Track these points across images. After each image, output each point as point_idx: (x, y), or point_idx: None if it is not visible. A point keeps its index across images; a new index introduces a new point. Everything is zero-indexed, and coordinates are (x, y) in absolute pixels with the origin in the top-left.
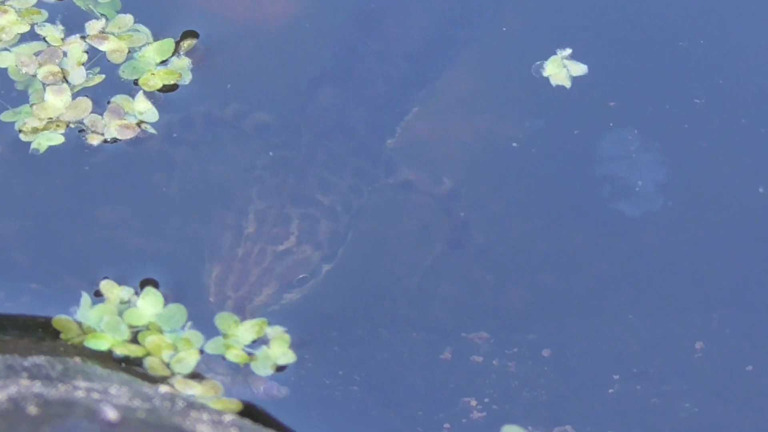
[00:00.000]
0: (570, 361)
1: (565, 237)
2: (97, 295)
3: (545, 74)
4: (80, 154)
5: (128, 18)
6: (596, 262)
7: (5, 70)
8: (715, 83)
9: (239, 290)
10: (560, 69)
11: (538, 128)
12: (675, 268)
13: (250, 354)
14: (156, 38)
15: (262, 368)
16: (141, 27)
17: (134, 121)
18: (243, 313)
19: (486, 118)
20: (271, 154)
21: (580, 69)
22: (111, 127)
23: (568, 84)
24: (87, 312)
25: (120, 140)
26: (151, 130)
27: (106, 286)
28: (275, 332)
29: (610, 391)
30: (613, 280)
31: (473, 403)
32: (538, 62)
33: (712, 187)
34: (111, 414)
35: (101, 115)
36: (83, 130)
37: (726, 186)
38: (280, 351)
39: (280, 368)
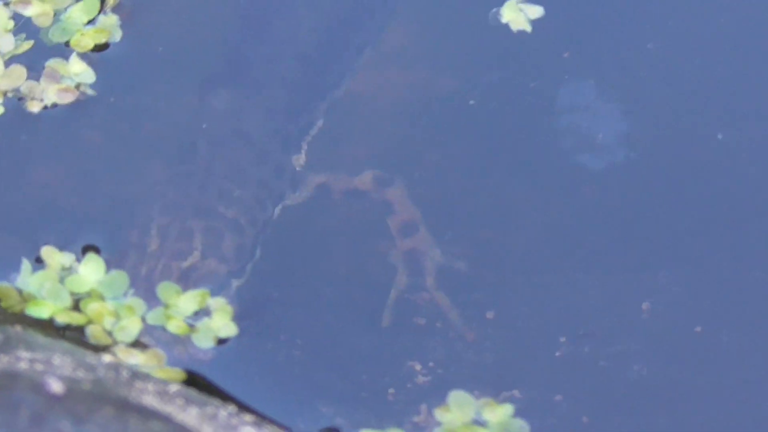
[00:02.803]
0: (515, 323)
1: (514, 192)
2: (38, 262)
3: (504, 20)
4: (22, 122)
5: None
6: (544, 218)
7: None
8: (666, 25)
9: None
10: (517, 13)
11: (493, 83)
12: (626, 224)
13: (191, 325)
14: None
15: (204, 340)
16: None
17: (72, 84)
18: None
19: (431, 73)
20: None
21: (536, 11)
22: (50, 92)
23: (528, 28)
24: (27, 279)
25: (60, 105)
26: (90, 92)
27: (47, 252)
28: (217, 304)
29: (557, 353)
30: (561, 238)
31: (417, 367)
32: (495, 9)
33: (672, 136)
34: (56, 386)
35: (38, 81)
36: (22, 98)
37: (685, 134)
38: (222, 323)
39: (221, 341)
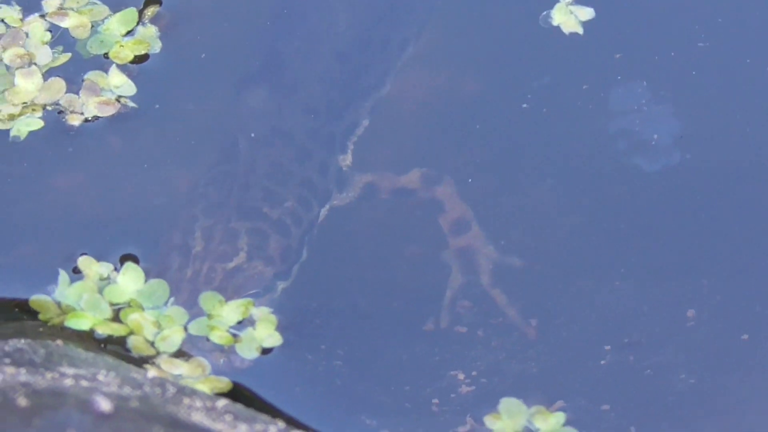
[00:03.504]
0: (558, 332)
1: (561, 195)
2: (76, 273)
3: (555, 23)
4: (62, 135)
5: None
6: (589, 222)
7: None
8: (716, 23)
9: (190, 311)
10: (568, 15)
11: (545, 85)
12: (671, 228)
13: (234, 335)
14: (117, 9)
15: (247, 350)
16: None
17: (113, 97)
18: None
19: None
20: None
21: (587, 13)
22: (90, 105)
23: (580, 30)
24: (65, 290)
25: (101, 117)
26: (131, 104)
27: (85, 263)
28: (261, 313)
29: (602, 362)
30: (603, 243)
31: (461, 376)
32: (545, 12)
33: (725, 137)
34: (104, 405)
35: (77, 93)
36: (62, 112)
37: (737, 135)
38: (266, 332)
39: (265, 351)
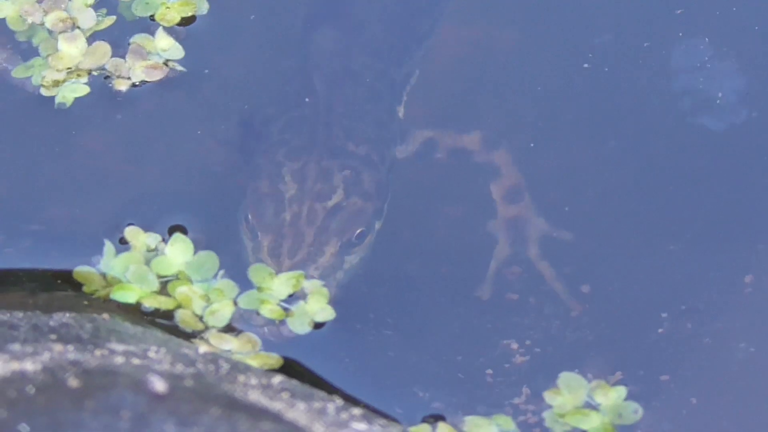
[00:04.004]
0: (613, 299)
1: (619, 158)
2: (122, 243)
3: None
4: (109, 101)
5: None
6: (647, 186)
7: (3, 21)
8: None
9: (296, 255)
10: None
11: (605, 44)
12: (727, 192)
13: (286, 309)
14: None
15: (299, 325)
16: None
17: (160, 61)
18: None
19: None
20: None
21: None
22: (137, 70)
23: None
24: (111, 261)
25: (149, 82)
26: (179, 68)
27: (131, 233)
28: (313, 286)
29: (660, 330)
30: (659, 207)
31: (514, 346)
32: None
33: None
34: (159, 385)
35: (123, 58)
36: (108, 77)
37: None
38: (318, 306)
39: (318, 325)
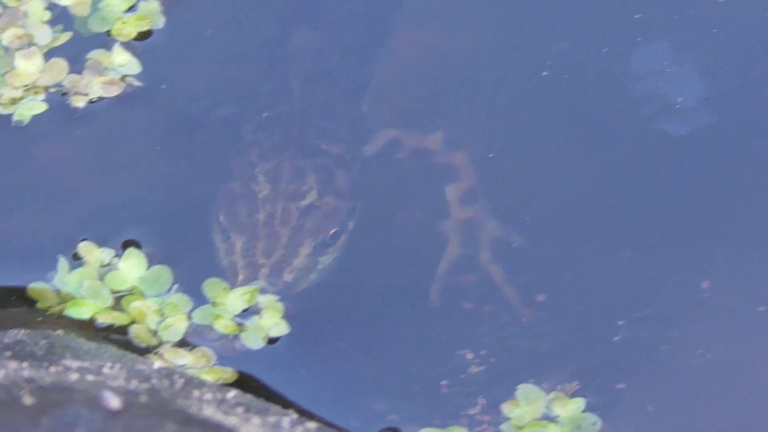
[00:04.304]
0: (569, 306)
1: (572, 165)
2: (76, 259)
3: None
4: (67, 118)
5: None
6: (600, 193)
7: None
8: None
9: (272, 255)
10: None
11: (564, 51)
12: (682, 196)
13: (240, 324)
14: None
15: (253, 340)
16: None
17: (117, 76)
18: (280, 278)
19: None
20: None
21: None
22: (94, 86)
23: None
24: (65, 277)
25: (106, 98)
26: (137, 83)
27: (85, 249)
28: (267, 301)
29: (616, 338)
30: (611, 214)
31: (469, 356)
32: None
33: (750, 96)
34: (114, 402)
35: (80, 74)
36: (66, 93)
37: (763, 94)
38: (272, 321)
39: (272, 340)
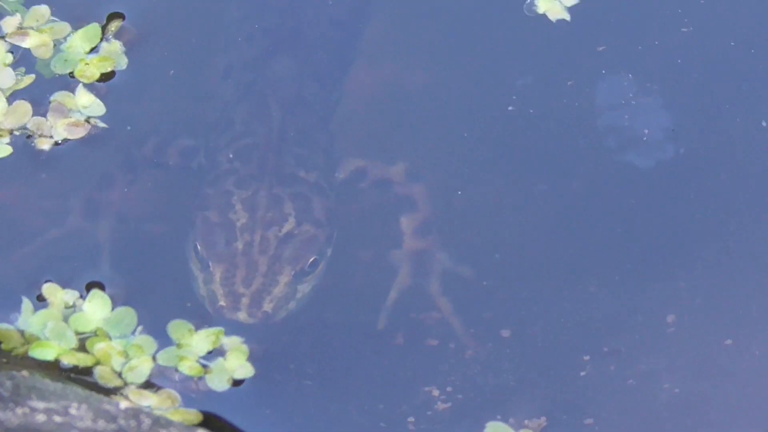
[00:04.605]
0: (534, 342)
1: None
2: (40, 300)
3: (540, 11)
4: (33, 161)
5: (44, 9)
6: (561, 227)
7: None
8: (696, 4)
9: (251, 284)
10: (552, 2)
11: (528, 85)
12: (645, 230)
13: (205, 366)
14: (79, 25)
15: (218, 382)
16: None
17: (82, 118)
18: (260, 308)
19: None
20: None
21: None
22: (58, 128)
23: (567, 16)
24: (29, 319)
25: (71, 140)
26: (102, 124)
27: (49, 290)
28: (232, 343)
29: (582, 373)
30: (575, 248)
31: (435, 392)
32: (529, 0)
33: (717, 127)
34: None
35: (44, 116)
36: (30, 136)
37: (729, 123)
38: (237, 363)
39: (237, 382)
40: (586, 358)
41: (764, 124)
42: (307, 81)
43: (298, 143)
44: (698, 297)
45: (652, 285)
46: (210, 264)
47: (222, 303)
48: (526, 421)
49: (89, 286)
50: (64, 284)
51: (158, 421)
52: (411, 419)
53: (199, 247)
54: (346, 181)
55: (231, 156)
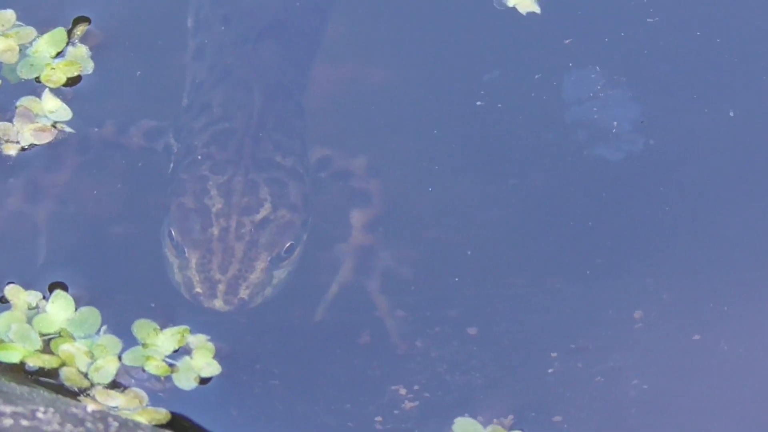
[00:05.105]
0: (500, 339)
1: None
2: (3, 302)
3: (510, 4)
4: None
5: (9, 13)
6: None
7: None
8: None
9: (228, 271)
10: None
11: (496, 80)
12: (611, 225)
13: (171, 365)
14: (44, 30)
15: (185, 380)
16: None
17: (48, 123)
18: (237, 294)
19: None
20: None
21: None
22: (25, 133)
23: (537, 9)
24: None
25: (38, 145)
26: (69, 129)
27: (12, 292)
28: (198, 341)
29: (550, 370)
30: (541, 244)
31: (402, 391)
32: None
33: (685, 118)
34: None
35: (11, 122)
36: None
37: (697, 114)
38: (204, 361)
39: (204, 380)
40: (554, 355)
41: (731, 114)
42: (288, 67)
43: (276, 129)
44: (666, 293)
45: (619, 281)
46: (186, 250)
47: (198, 290)
48: (494, 419)
49: (52, 287)
50: (27, 285)
51: (126, 424)
52: (378, 418)
53: (174, 233)
54: (314, 170)
55: (206, 141)
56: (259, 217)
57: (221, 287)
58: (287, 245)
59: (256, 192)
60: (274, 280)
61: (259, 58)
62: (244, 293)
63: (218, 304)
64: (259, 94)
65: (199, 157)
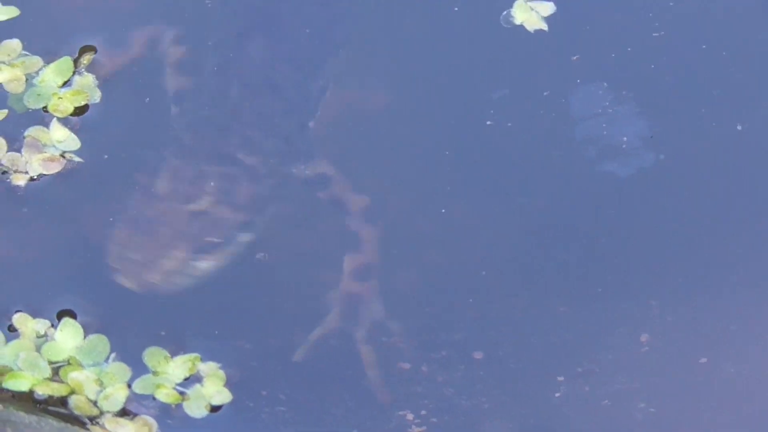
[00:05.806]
0: (506, 363)
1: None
2: (11, 330)
3: (517, 22)
4: (9, 197)
5: (15, 43)
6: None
7: None
8: (667, 7)
9: (143, 252)
10: (529, 12)
11: (504, 98)
12: (615, 248)
13: (182, 393)
14: (51, 59)
15: (196, 409)
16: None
17: (57, 153)
18: (143, 279)
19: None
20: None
21: (547, 8)
22: (34, 163)
23: (545, 26)
24: (1, 350)
25: (47, 175)
26: (77, 159)
27: (20, 320)
28: (209, 369)
29: (557, 394)
30: (546, 267)
31: (410, 416)
32: (506, 11)
33: (693, 132)
34: None
35: (19, 152)
36: (5, 172)
37: (704, 128)
38: (214, 389)
39: (215, 408)
40: (561, 378)
41: (739, 128)
42: (280, 65)
43: (252, 126)
44: (671, 316)
45: (625, 304)
46: (117, 225)
47: (114, 264)
48: None
49: (60, 315)
50: (35, 314)
51: None
52: None
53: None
54: (308, 181)
55: (183, 125)
56: (194, 207)
57: (133, 267)
58: (213, 241)
59: (202, 184)
60: (195, 272)
61: (244, 53)
62: (153, 278)
63: (127, 282)
64: (235, 88)
65: (171, 138)
